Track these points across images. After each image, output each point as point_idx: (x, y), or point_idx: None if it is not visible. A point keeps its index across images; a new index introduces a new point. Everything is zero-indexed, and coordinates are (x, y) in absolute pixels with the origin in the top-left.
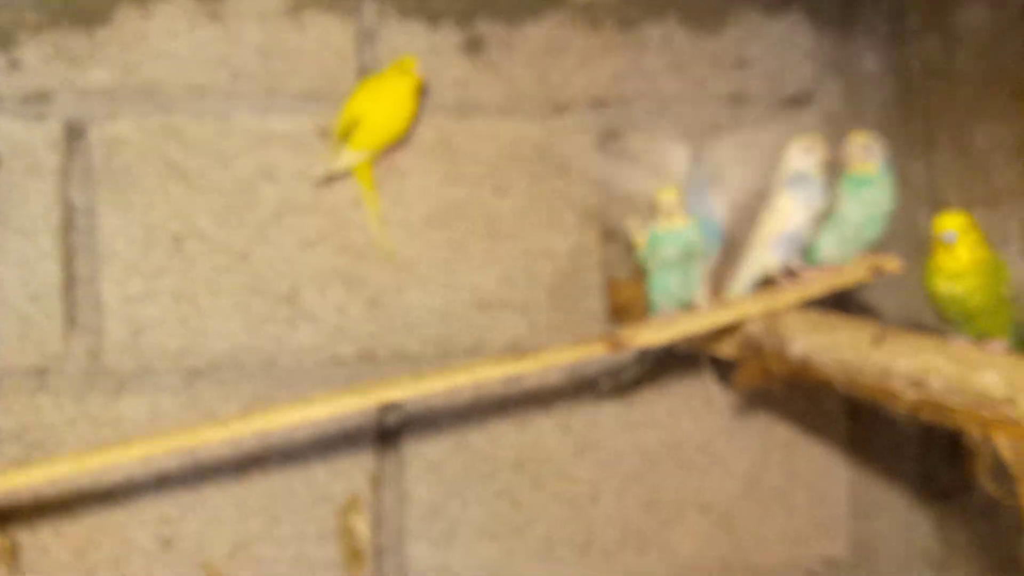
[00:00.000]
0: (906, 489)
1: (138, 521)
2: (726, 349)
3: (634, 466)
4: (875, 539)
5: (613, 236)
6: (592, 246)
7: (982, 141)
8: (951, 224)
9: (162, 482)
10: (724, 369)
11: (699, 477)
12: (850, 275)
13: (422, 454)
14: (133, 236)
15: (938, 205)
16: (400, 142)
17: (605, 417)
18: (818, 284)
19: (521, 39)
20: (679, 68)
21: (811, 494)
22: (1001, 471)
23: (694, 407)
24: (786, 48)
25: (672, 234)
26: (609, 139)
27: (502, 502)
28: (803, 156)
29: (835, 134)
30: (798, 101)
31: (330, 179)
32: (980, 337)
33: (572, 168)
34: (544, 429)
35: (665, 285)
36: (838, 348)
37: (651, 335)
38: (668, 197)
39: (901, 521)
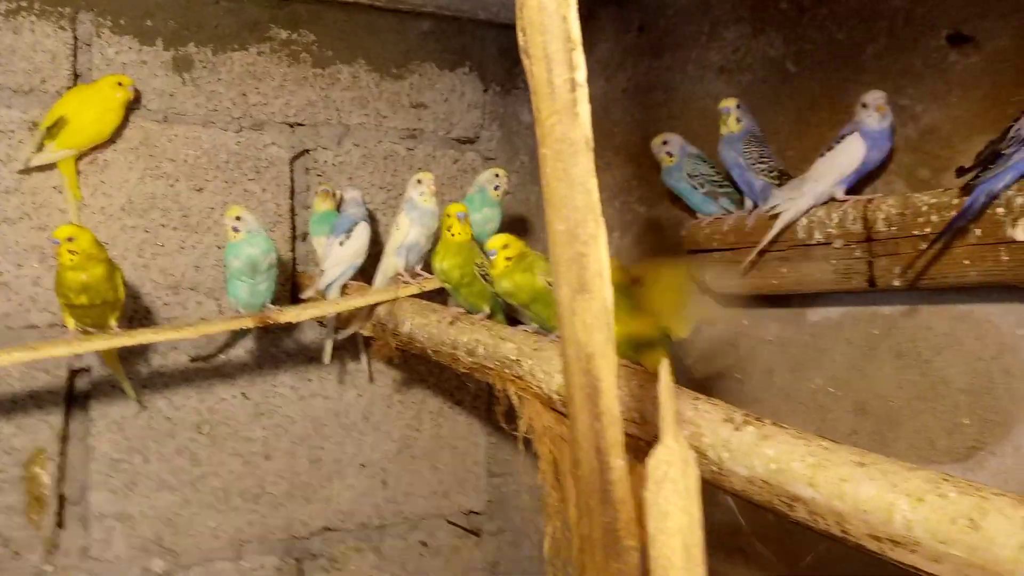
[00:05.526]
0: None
1: None
2: (369, 329)
3: (304, 430)
4: (507, 494)
5: (303, 236)
6: (281, 244)
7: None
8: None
9: None
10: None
11: (360, 439)
12: (431, 284)
13: (108, 415)
14: None
15: None
16: (106, 141)
17: (281, 388)
18: (412, 287)
19: (226, 62)
20: (364, 103)
21: (455, 456)
22: (513, 413)
23: (359, 382)
24: (457, 97)
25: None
26: (300, 155)
27: (182, 458)
28: (416, 187)
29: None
30: (465, 141)
31: (34, 168)
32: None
33: (265, 176)
34: (225, 396)
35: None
36: (428, 327)
37: (293, 314)
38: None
39: (527, 479)
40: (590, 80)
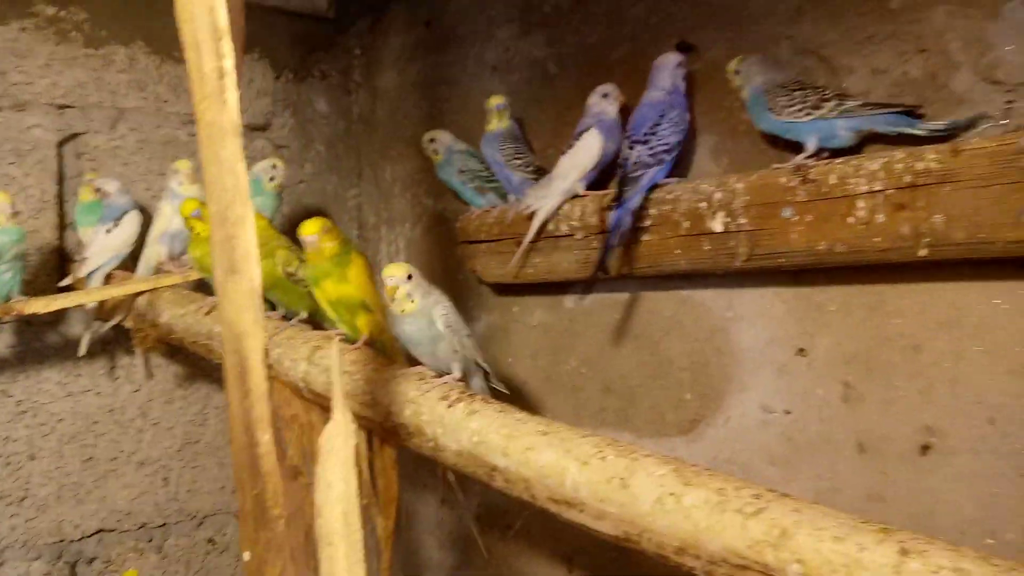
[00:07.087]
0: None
1: None
2: (131, 321)
3: (75, 428)
4: None
5: (73, 225)
6: (48, 232)
7: (389, 176)
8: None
9: None
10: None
11: (137, 436)
12: (196, 274)
13: None
14: None
15: (362, 224)
16: None
17: (47, 384)
18: (174, 277)
19: None
20: (142, 86)
21: None
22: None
23: (136, 377)
24: (246, 83)
25: None
26: (69, 139)
27: None
28: (174, 177)
29: (289, 160)
30: (256, 128)
31: None
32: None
33: (28, 160)
34: None
35: None
36: (185, 317)
37: (41, 305)
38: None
39: None
40: (383, 72)
